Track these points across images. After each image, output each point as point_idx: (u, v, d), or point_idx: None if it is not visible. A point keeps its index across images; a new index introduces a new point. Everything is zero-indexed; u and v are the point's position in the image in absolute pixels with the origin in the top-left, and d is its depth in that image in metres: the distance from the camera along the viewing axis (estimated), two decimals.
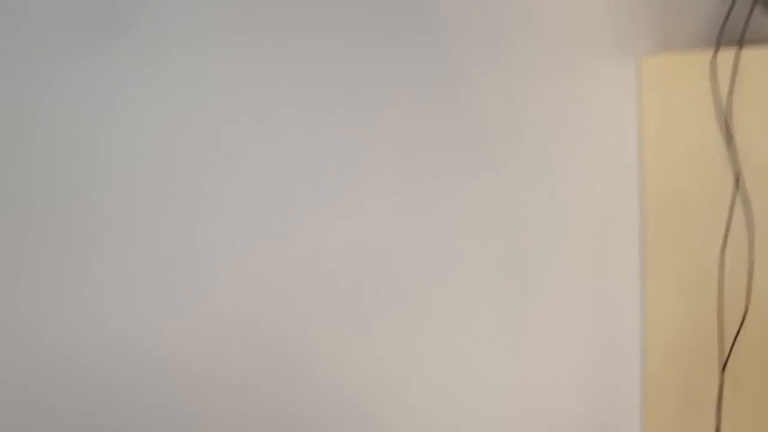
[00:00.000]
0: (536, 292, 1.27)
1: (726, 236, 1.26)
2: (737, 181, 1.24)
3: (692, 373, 1.33)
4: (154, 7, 0.90)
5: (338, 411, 1.09)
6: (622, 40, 1.34)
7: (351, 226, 1.08)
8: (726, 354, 1.27)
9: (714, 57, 1.26)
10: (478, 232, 1.19)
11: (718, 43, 1.27)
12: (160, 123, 0.93)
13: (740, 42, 1.25)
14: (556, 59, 1.26)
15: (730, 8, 1.33)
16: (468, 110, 1.17)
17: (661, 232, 1.35)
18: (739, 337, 1.26)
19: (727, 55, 1.25)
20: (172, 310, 0.94)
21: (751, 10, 1.30)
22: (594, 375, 1.36)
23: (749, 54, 1.23)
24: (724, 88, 1.25)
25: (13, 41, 0.81)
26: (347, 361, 1.09)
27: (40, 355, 0.86)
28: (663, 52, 1.38)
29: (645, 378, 1.40)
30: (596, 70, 1.31)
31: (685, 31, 1.43)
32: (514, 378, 1.26)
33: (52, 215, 0.85)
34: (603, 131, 1.33)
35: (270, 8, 0.98)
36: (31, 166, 0.84)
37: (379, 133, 1.10)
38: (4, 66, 0.81)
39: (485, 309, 1.22)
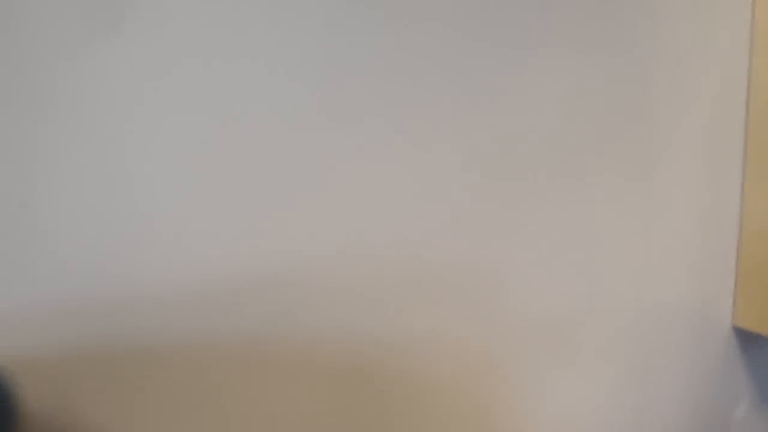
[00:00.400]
0: (647, 172, 1.35)
1: None
2: None
3: None
4: None
5: (438, 284, 1.16)
6: None
7: (484, 96, 1.17)
8: None
9: None
10: (605, 110, 1.28)
11: None
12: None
13: None
14: None
15: None
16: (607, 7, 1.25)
17: (765, 129, 1.41)
18: None
19: None
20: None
21: None
22: (693, 259, 1.45)
23: None
24: None
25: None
26: (452, 231, 1.17)
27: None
28: None
29: (739, 263, 1.49)
30: None
31: None
32: (621, 250, 1.36)
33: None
34: (717, 30, 1.40)
35: None
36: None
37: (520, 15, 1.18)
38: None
39: (600, 189, 1.32)
